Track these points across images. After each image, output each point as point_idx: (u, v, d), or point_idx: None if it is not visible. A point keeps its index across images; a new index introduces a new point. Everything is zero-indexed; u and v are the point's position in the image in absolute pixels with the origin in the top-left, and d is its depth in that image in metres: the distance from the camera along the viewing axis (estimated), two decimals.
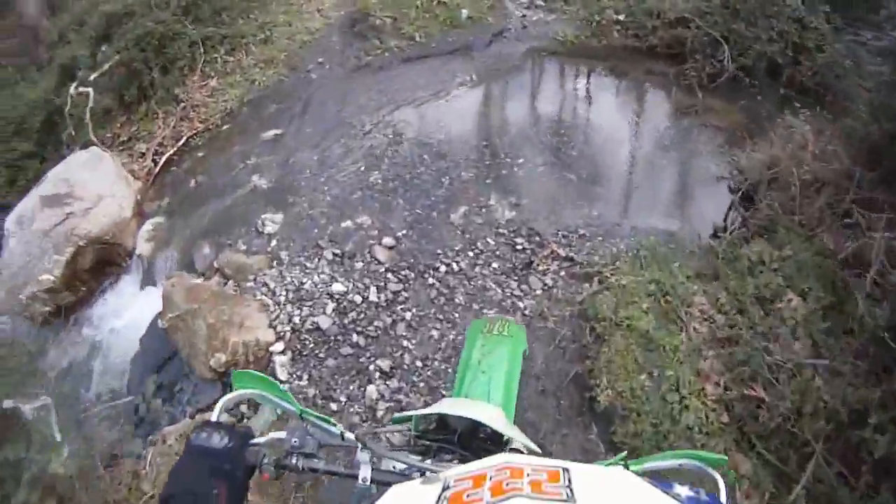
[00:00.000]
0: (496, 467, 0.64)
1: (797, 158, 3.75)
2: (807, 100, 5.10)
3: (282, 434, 0.96)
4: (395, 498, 0.65)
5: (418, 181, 4.30)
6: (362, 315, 3.40)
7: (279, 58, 6.07)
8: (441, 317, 3.38)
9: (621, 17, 6.10)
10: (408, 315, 3.39)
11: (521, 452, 1.11)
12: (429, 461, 0.99)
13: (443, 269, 3.62)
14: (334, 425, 1.00)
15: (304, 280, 3.57)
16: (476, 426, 1.13)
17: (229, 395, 1.03)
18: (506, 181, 4.29)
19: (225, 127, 5.45)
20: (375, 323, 3.36)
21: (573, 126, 5.01)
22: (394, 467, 0.97)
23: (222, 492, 0.85)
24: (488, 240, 3.80)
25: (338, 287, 3.50)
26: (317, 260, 3.69)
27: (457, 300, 3.46)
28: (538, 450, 1.06)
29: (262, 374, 1.03)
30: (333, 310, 3.41)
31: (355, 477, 0.91)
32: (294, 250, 3.82)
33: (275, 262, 3.76)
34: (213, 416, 0.97)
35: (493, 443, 1.15)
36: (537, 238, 3.79)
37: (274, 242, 3.92)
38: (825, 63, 5.14)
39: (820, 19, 5.29)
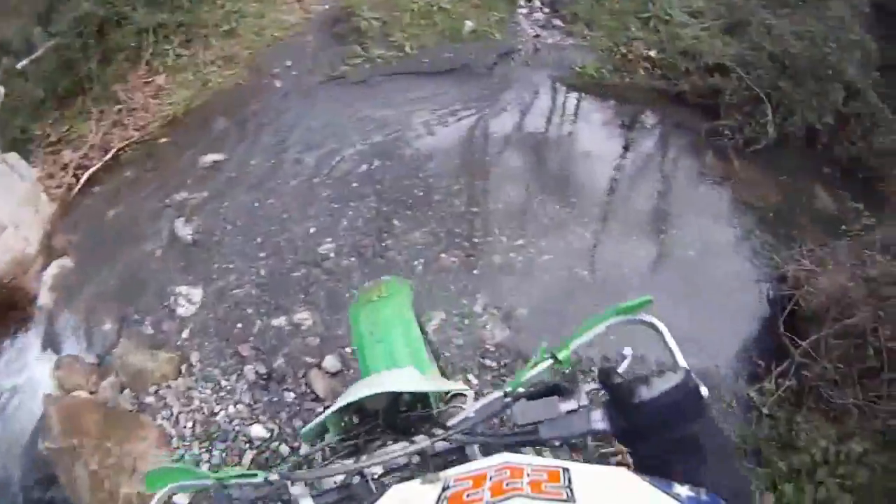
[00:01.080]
0: (496, 467, 0.64)
1: (875, 295, 2.86)
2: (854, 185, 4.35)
3: None
4: (395, 498, 0.64)
5: (382, 261, 3.51)
6: None
7: (242, 55, 5.16)
8: None
9: (652, 54, 5.18)
10: None
11: (464, 395, 1.14)
12: (364, 457, 0.89)
13: None
14: (255, 475, 0.90)
15: (217, 408, 2.86)
16: (394, 398, 1.07)
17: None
18: (498, 276, 3.44)
19: (162, 140, 4.60)
20: None
21: (588, 191, 4.13)
22: (335, 482, 0.92)
23: None
24: (470, 376, 2.94)
25: (258, 431, 2.75)
26: (234, 377, 2.97)
27: None
28: (467, 390, 1.09)
29: (172, 466, 0.99)
30: (252, 461, 2.68)
31: None
32: (208, 353, 3.10)
33: (183, 368, 3.05)
34: None
35: (424, 406, 1.11)
36: None
37: (186, 333, 3.20)
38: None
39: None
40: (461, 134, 4.52)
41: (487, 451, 0.85)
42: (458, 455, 0.90)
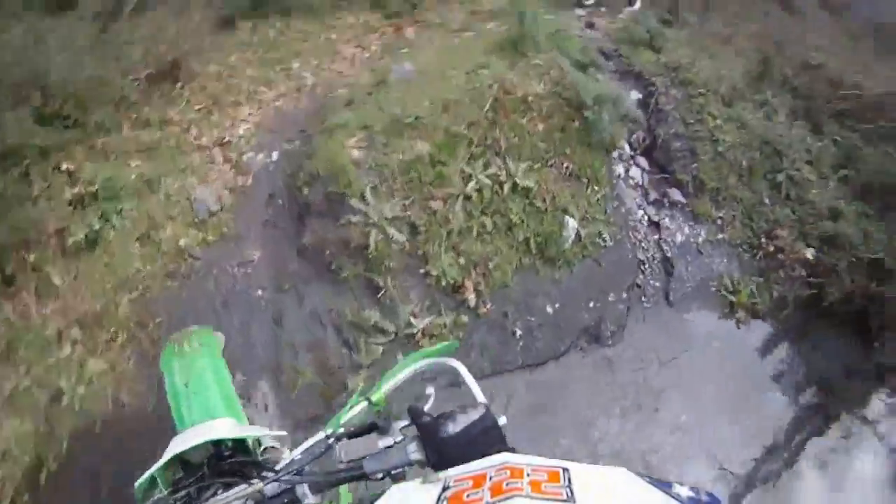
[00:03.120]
0: (496, 467, 0.62)
1: None
2: None
3: None
4: (395, 498, 0.63)
5: None
6: None
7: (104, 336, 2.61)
8: None
9: (808, 255, 3.36)
10: None
11: (277, 448, 1.16)
12: None
13: None
14: None
15: None
16: (216, 447, 1.08)
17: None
18: None
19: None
20: None
21: None
22: None
23: None
24: None
25: None
26: None
27: None
28: (283, 432, 1.10)
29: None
30: None
31: None
32: None
33: None
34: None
35: (244, 453, 1.10)
36: None
37: None
38: None
39: None
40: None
41: (318, 489, 0.90)
42: (289, 496, 0.91)
